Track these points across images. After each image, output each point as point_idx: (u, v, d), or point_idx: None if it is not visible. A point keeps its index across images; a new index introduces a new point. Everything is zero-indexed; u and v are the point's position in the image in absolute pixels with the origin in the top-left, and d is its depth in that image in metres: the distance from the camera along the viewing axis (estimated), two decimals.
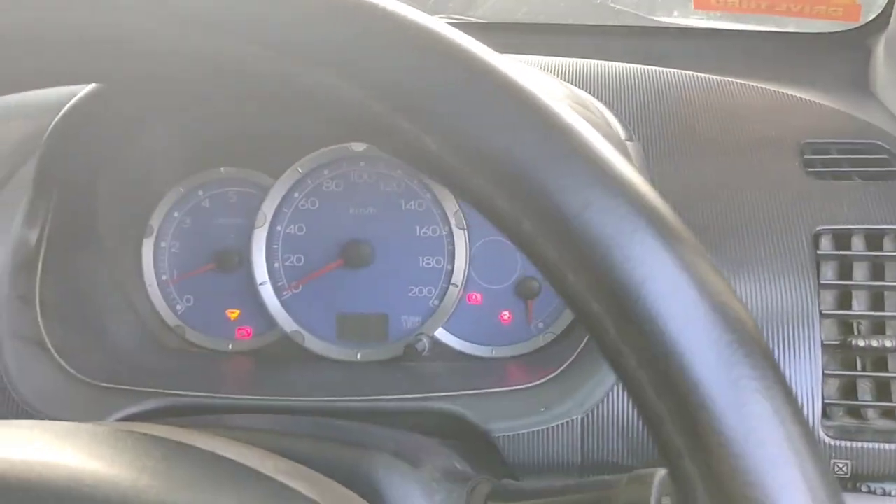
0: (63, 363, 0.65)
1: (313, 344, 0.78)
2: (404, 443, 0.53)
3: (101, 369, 0.66)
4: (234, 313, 0.80)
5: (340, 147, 0.78)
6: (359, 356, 0.77)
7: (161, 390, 0.64)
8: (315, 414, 0.63)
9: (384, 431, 0.56)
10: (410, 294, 0.78)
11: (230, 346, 0.79)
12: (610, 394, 0.60)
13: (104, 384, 0.64)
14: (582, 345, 0.64)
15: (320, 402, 0.64)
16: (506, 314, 0.77)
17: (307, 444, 0.49)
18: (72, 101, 0.66)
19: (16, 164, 0.67)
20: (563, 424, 0.60)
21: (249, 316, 0.80)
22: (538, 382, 0.63)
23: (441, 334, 0.77)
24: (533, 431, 0.60)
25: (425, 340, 0.75)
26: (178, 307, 0.80)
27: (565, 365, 0.63)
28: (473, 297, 0.77)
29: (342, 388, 0.70)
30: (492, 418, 0.61)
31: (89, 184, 0.72)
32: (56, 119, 0.66)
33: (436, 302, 0.78)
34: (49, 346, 0.65)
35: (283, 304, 0.79)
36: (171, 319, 0.80)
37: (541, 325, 0.76)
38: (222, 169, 0.80)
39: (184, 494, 0.28)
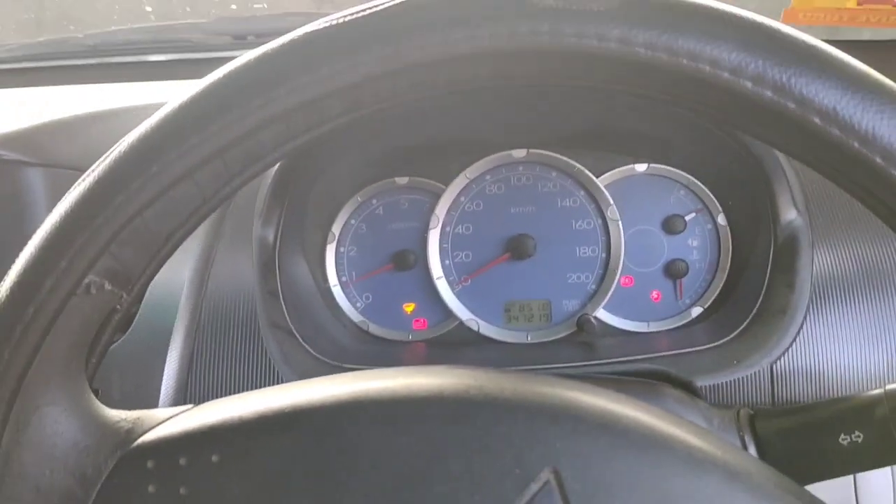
0: (309, 349, 0.74)
1: (487, 329, 0.88)
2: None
3: (334, 353, 0.75)
4: (409, 307, 0.90)
5: (501, 154, 0.88)
6: (529, 338, 0.87)
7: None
8: None
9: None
10: (570, 280, 0.88)
11: (409, 336, 0.88)
12: (792, 346, 0.71)
13: (345, 365, 0.73)
14: (756, 308, 0.75)
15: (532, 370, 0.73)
16: (654, 293, 0.88)
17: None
18: None
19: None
20: (754, 373, 0.71)
21: (424, 308, 0.89)
22: (724, 340, 0.74)
23: (601, 314, 0.87)
24: (729, 381, 0.71)
25: (592, 319, 0.85)
26: (359, 304, 0.89)
27: (744, 325, 0.74)
28: (626, 280, 0.88)
29: (520, 363, 0.80)
30: (693, 373, 0.71)
31: (303, 195, 0.81)
32: None
33: (593, 286, 0.88)
34: (296, 334, 0.74)
35: (457, 295, 0.89)
36: (354, 315, 0.89)
37: (687, 300, 0.87)
38: (395, 179, 0.89)
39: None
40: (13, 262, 0.41)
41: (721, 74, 0.33)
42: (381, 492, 0.33)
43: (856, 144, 0.32)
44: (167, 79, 1.08)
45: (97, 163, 0.41)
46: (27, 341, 0.39)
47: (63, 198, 0.41)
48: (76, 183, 0.41)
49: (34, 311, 0.39)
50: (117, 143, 0.41)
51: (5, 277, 0.41)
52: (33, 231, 0.41)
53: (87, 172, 0.41)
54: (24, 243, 0.41)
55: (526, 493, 0.35)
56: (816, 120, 0.33)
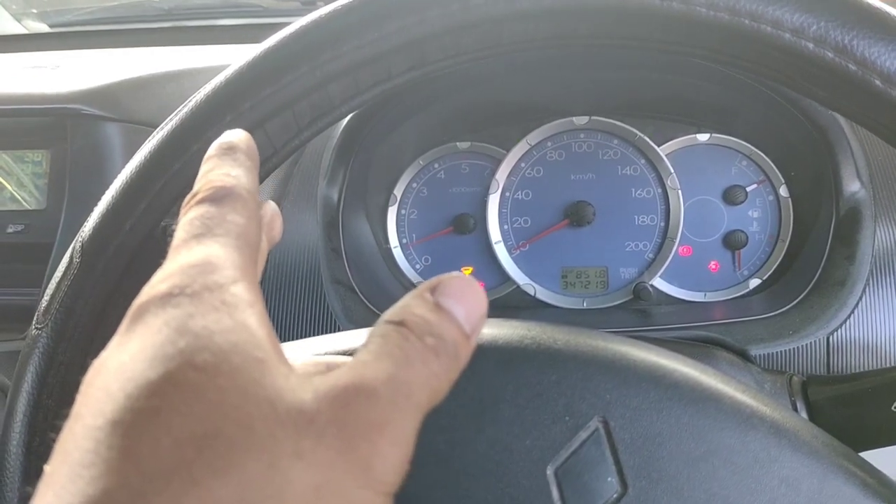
0: (369, 305, 0.76)
1: (543, 294, 0.89)
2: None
3: None
4: (467, 270, 0.91)
5: (563, 121, 0.89)
6: (584, 304, 0.88)
7: None
8: None
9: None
10: (628, 249, 0.89)
11: None
12: (850, 318, 0.70)
13: None
14: (814, 279, 0.74)
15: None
16: (713, 264, 0.88)
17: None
18: None
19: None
20: (810, 344, 0.70)
21: (482, 272, 0.91)
22: (781, 311, 0.74)
23: (658, 283, 0.88)
24: (784, 350, 0.71)
25: (649, 287, 0.85)
26: (418, 266, 0.91)
27: (802, 296, 0.74)
28: (684, 249, 0.88)
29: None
30: (748, 342, 0.71)
31: (367, 157, 0.83)
32: None
33: (651, 255, 0.88)
34: (357, 290, 0.76)
35: (515, 260, 0.90)
36: (413, 276, 0.91)
37: (745, 272, 0.87)
38: (457, 144, 0.91)
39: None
40: (93, 209, 0.44)
41: (782, 35, 0.33)
42: (433, 433, 0.35)
43: None
44: (237, 42, 1.11)
45: (174, 113, 0.44)
46: (107, 279, 0.42)
47: (143, 145, 0.43)
48: (155, 131, 0.43)
49: (114, 250, 0.41)
50: (194, 95, 0.43)
51: (88, 218, 0.43)
52: (110, 183, 0.44)
53: (165, 122, 0.44)
54: (102, 194, 0.44)
55: (575, 440, 0.36)
56: (878, 82, 0.33)
